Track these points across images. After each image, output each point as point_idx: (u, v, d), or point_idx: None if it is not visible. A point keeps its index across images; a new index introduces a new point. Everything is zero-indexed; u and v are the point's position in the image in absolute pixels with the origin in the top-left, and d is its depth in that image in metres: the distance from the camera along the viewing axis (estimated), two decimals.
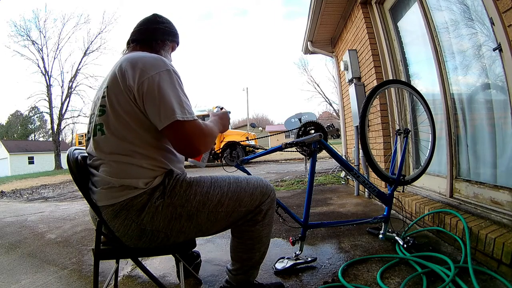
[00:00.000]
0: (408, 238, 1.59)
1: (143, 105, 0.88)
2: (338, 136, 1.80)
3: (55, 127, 22.38)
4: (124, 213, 0.90)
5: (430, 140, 1.83)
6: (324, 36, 4.13)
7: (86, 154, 1.02)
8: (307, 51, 4.59)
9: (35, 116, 30.55)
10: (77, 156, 1.00)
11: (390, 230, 1.73)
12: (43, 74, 21.89)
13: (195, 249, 1.60)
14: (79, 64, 22.34)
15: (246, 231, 1.09)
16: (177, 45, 1.24)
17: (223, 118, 1.17)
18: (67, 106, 22.59)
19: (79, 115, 23.37)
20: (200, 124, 0.92)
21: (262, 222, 1.09)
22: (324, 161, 7.81)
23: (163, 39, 1.15)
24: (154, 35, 1.13)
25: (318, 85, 37.02)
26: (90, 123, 1.01)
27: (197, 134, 0.90)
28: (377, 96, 1.76)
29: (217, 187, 1.00)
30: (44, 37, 21.97)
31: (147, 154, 0.92)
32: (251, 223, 1.08)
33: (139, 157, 0.91)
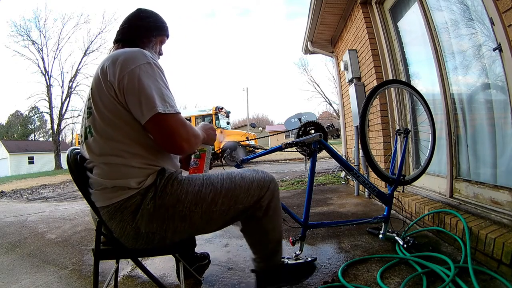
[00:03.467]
0: (408, 238, 1.59)
1: (125, 100, 0.87)
2: (338, 136, 1.80)
3: (55, 127, 22.43)
4: (119, 215, 0.89)
5: (430, 140, 1.83)
6: (324, 36, 4.13)
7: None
8: (307, 51, 4.59)
9: (35, 116, 30.62)
10: (77, 156, 1.00)
11: (390, 230, 1.73)
12: (43, 74, 21.97)
13: (204, 250, 1.62)
14: (79, 64, 22.45)
15: (251, 227, 1.09)
16: (167, 37, 1.21)
17: (207, 128, 1.17)
18: (67, 106, 22.69)
19: (79, 115, 23.37)
20: (183, 119, 0.92)
21: (266, 216, 1.06)
22: (324, 161, 7.81)
23: (147, 35, 1.12)
24: (137, 33, 1.10)
25: (318, 85, 37.07)
26: (82, 126, 1.00)
27: (179, 128, 0.88)
28: (377, 96, 1.76)
29: (209, 184, 0.96)
30: (44, 37, 22.10)
31: (137, 153, 0.90)
32: (255, 220, 1.06)
33: (129, 157, 0.90)
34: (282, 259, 1.24)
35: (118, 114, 0.89)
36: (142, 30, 1.11)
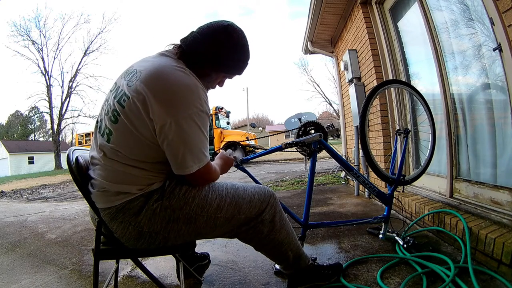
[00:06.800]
0: (408, 238, 1.59)
1: (162, 143, 0.85)
2: (338, 136, 1.80)
3: (55, 127, 22.43)
4: (121, 216, 0.89)
5: (430, 140, 1.83)
6: (324, 36, 4.13)
7: (86, 154, 1.02)
8: (307, 51, 4.59)
9: (35, 116, 30.62)
10: (77, 156, 0.99)
11: (390, 230, 1.73)
12: (43, 74, 21.97)
13: (204, 250, 1.62)
14: (79, 64, 22.45)
15: (264, 244, 1.10)
16: (239, 74, 1.03)
17: (227, 164, 1.19)
18: (67, 106, 22.69)
19: (79, 115, 23.48)
20: (211, 168, 0.94)
21: (274, 230, 1.08)
22: (324, 161, 7.81)
23: (213, 69, 0.95)
24: (203, 62, 0.92)
25: (318, 85, 37.12)
26: (101, 120, 0.95)
27: (207, 178, 0.95)
28: (377, 96, 1.76)
29: (215, 191, 0.99)
30: (44, 37, 22.09)
31: (148, 169, 0.91)
32: (265, 236, 1.07)
33: (138, 168, 0.89)
34: (310, 261, 1.26)
35: (146, 137, 0.86)
36: (210, 63, 0.93)
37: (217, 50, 0.92)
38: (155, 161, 0.91)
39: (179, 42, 0.97)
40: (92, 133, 1.03)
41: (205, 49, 0.91)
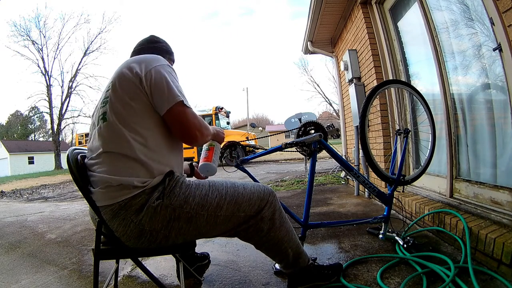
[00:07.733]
0: (408, 238, 1.59)
1: (150, 91, 0.94)
2: (338, 136, 1.80)
3: (55, 127, 22.42)
4: (122, 213, 0.90)
5: (430, 140, 1.83)
6: (324, 36, 4.13)
7: (86, 154, 1.02)
8: (307, 51, 4.59)
9: (35, 116, 30.58)
10: (77, 156, 1.00)
11: (390, 230, 1.73)
12: (43, 74, 21.96)
13: (204, 250, 1.62)
14: (79, 64, 22.44)
15: (264, 241, 1.11)
16: (173, 62, 1.33)
17: (217, 128, 1.28)
18: (67, 106, 22.68)
19: (79, 115, 23.46)
20: (197, 116, 1.01)
21: (273, 227, 1.10)
22: (324, 161, 7.81)
23: (167, 58, 1.21)
24: (163, 55, 1.19)
25: (318, 85, 37.16)
26: (92, 116, 1.05)
27: (194, 119, 0.98)
28: (377, 96, 1.76)
29: (215, 190, 1.01)
30: (44, 37, 22.08)
31: (147, 145, 0.93)
32: (265, 233, 1.08)
33: (138, 148, 0.91)
34: (310, 260, 1.27)
35: (138, 100, 0.94)
36: (157, 52, 1.21)
37: (159, 46, 1.25)
38: (150, 133, 0.94)
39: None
40: None
41: (160, 47, 1.24)
